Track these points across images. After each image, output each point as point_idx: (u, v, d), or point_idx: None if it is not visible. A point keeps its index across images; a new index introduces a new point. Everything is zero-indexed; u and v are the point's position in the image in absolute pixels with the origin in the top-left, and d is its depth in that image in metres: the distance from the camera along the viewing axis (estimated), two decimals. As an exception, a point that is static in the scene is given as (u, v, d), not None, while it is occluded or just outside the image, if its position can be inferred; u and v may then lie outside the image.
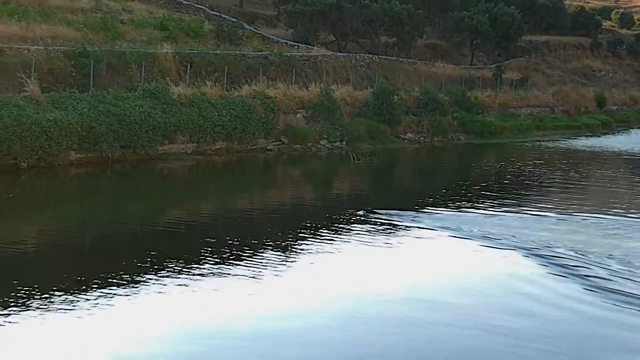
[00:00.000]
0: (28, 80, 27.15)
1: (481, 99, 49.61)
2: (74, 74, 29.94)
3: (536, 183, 30.29)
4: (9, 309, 12.20)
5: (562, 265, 15.98)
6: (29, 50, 29.68)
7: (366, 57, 48.02)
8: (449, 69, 53.92)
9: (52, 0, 41.15)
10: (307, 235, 18.50)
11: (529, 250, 17.21)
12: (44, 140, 25.33)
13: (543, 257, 16.61)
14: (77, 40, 33.42)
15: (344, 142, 36.72)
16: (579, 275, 15.31)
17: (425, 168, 36.50)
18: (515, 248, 17.41)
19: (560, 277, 15.31)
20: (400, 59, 51.86)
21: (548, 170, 33.98)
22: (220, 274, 14.77)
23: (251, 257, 16.10)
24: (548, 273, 15.59)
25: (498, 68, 55.87)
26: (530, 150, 42.39)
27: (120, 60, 32.07)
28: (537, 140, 46.59)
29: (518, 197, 25.92)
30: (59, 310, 12.32)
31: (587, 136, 51.03)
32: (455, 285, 14.94)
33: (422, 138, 41.60)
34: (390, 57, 51.09)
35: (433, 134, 42.08)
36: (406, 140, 40.84)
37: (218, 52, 37.67)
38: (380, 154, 36.14)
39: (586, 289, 14.50)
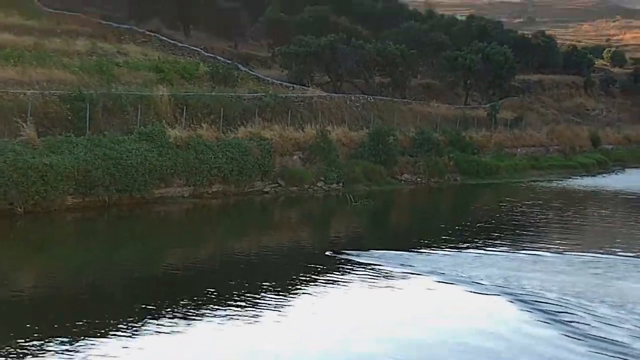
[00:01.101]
0: (24, 124, 27.05)
1: (476, 138, 49.68)
2: (70, 118, 29.84)
3: (532, 223, 30.27)
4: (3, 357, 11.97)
5: (545, 311, 15.74)
6: (25, 95, 29.62)
7: (361, 98, 48.17)
8: (444, 109, 54.09)
9: (47, 43, 41.29)
10: (304, 279, 18.34)
11: (515, 295, 16.98)
12: (41, 185, 25.15)
13: (528, 303, 16.37)
14: (73, 83, 33.42)
15: (341, 184, 36.62)
16: (561, 322, 15.11)
17: (421, 209, 36.41)
18: (500, 293, 17.16)
19: (542, 323, 15.09)
20: (395, 99, 52.06)
21: (544, 210, 33.96)
22: (217, 319, 14.57)
23: (249, 302, 15.92)
24: (530, 319, 15.37)
25: (492, 107, 56.06)
26: (527, 190, 42.38)
27: (116, 103, 32.05)
28: (533, 180, 46.60)
29: (513, 237, 25.86)
30: (51, 357, 12.10)
31: (582, 176, 51.08)
32: (433, 336, 14.54)
33: (418, 179, 41.53)
34: (384, 97, 51.27)
35: (429, 175, 42.02)
36: (402, 182, 40.76)
37: (214, 93, 37.70)
38: (377, 195, 36.02)
39: (565, 335, 14.30)
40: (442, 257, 21.25)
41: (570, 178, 49.01)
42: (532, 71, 77.73)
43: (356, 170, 37.71)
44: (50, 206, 25.70)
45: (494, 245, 23.53)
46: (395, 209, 36.71)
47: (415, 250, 22.23)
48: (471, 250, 22.53)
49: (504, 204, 35.53)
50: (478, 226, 28.70)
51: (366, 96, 49.21)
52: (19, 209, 24.70)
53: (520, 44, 73.75)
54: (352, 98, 47.42)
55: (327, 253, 21.45)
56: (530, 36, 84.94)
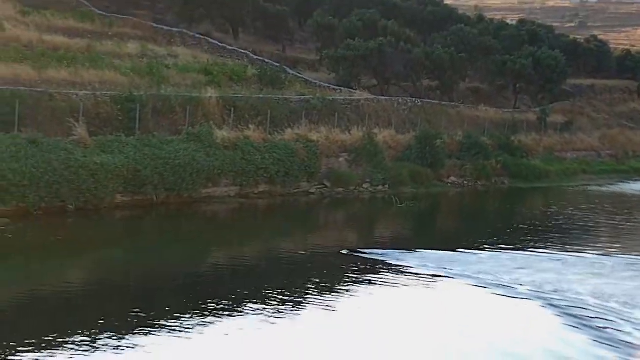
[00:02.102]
0: (76, 124, 27.64)
1: (525, 142, 49.14)
2: (120, 118, 30.38)
3: (580, 226, 29.88)
4: (54, 349, 12.23)
5: (579, 317, 15.50)
6: (77, 95, 30.23)
7: (408, 101, 48.00)
8: (492, 113, 53.58)
9: (100, 46, 42.06)
10: (348, 280, 18.36)
11: (551, 300, 16.74)
12: (91, 184, 25.68)
13: (562, 308, 16.13)
14: (124, 84, 34.00)
15: (387, 186, 36.58)
16: (592, 327, 14.84)
17: (467, 212, 36.13)
18: (533, 298, 16.94)
19: (573, 328, 14.84)
20: (443, 103, 51.74)
21: (593, 213, 33.48)
22: (261, 318, 14.68)
23: (291, 301, 16.03)
24: (564, 324, 15.14)
25: (542, 111, 55.35)
26: (576, 194, 41.82)
27: (165, 104, 32.54)
28: (584, 185, 45.89)
29: (558, 240, 25.63)
30: (101, 351, 12.33)
31: (636, 180, 50.06)
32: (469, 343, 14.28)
33: (465, 182, 41.28)
34: (432, 101, 51.02)
35: (477, 178, 41.74)
36: (449, 184, 40.56)
37: (261, 96, 37.99)
38: (423, 197, 35.94)
39: (595, 341, 14.04)
40: (484, 259, 21.13)
41: (623, 182, 48.15)
42: (584, 76, 76.38)
43: (402, 172, 37.61)
44: (100, 204, 26.20)
45: (538, 248, 23.34)
46: (441, 211, 36.52)
47: (457, 251, 22.20)
48: (514, 253, 22.40)
49: (552, 208, 35.13)
50: (524, 229, 28.44)
51: (414, 99, 49.02)
52: (70, 206, 25.23)
53: (572, 49, 72.60)
54: (400, 101, 47.30)
55: (343, 251, 21.65)
56: (582, 41, 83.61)
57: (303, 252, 23.13)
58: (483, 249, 22.79)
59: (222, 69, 42.67)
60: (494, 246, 23.43)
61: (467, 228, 30.19)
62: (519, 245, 23.69)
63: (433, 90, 55.58)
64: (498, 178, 42.95)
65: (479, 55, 58.92)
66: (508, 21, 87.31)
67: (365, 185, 36.07)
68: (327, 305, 15.93)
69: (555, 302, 16.51)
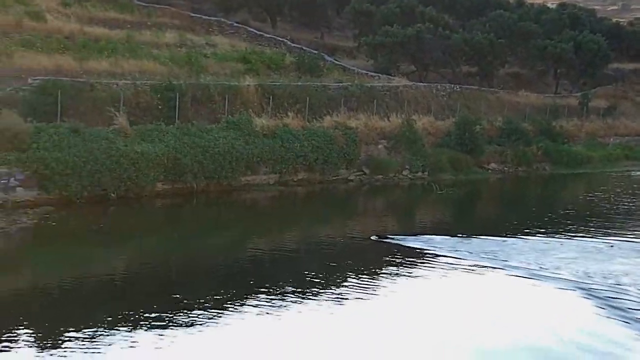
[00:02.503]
0: (117, 113, 27.95)
1: (567, 128, 48.52)
2: (160, 107, 30.65)
3: (623, 211, 29.34)
4: (97, 333, 12.41)
5: (620, 308, 15.09)
6: (117, 85, 30.56)
7: (447, 87, 47.65)
8: (533, 98, 52.92)
9: (139, 36, 42.39)
10: (386, 267, 18.31)
11: (590, 290, 16.30)
12: (132, 172, 25.97)
13: (602, 299, 15.68)
14: (163, 74, 34.26)
15: (426, 173, 36.43)
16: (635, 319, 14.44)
17: (509, 198, 35.76)
18: (573, 288, 16.52)
19: (613, 320, 14.46)
20: (482, 89, 51.25)
21: (637, 199, 32.88)
22: (300, 304, 14.74)
23: (331, 288, 16.04)
24: (603, 316, 14.76)
25: (584, 96, 54.51)
26: (619, 179, 41.15)
27: (204, 93, 32.74)
28: (627, 170, 45.13)
29: (599, 225, 25.21)
30: (142, 336, 12.47)
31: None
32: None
33: (505, 168, 40.89)
34: (471, 87, 50.56)
35: (517, 164, 41.34)
36: (489, 171, 40.20)
37: (299, 83, 38.01)
38: (463, 184, 35.70)
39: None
40: (523, 246, 20.87)
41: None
42: (627, 59, 74.99)
43: (442, 159, 37.39)
44: (141, 192, 26.49)
45: (580, 234, 23.00)
46: (482, 197, 36.20)
47: (498, 237, 21.94)
48: (555, 239, 22.09)
49: (595, 194, 34.61)
50: (566, 215, 28.13)
51: (453, 85, 48.65)
52: (112, 195, 25.54)
53: (615, 32, 71.23)
54: (439, 87, 46.99)
55: (372, 237, 21.70)
56: (625, 24, 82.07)
57: (342, 239, 23.14)
58: (524, 235, 22.53)
59: (260, 57, 42.79)
60: (534, 233, 23.16)
61: (508, 214, 29.88)
62: (561, 232, 23.38)
63: (472, 76, 55.10)
64: (539, 164, 42.48)
65: (519, 40, 58.17)
66: (548, 5, 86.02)
67: (404, 172, 35.95)
68: (364, 292, 15.92)
69: (597, 293, 16.11)
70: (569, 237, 22.65)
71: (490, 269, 18.23)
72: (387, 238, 21.53)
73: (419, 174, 36.26)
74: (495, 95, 50.87)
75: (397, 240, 21.16)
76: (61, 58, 33.85)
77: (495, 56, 53.97)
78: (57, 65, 33.02)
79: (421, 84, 47.27)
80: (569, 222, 26.12)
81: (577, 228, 24.42)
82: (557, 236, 22.64)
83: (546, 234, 23.09)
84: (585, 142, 48.67)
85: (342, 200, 32.16)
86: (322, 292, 15.66)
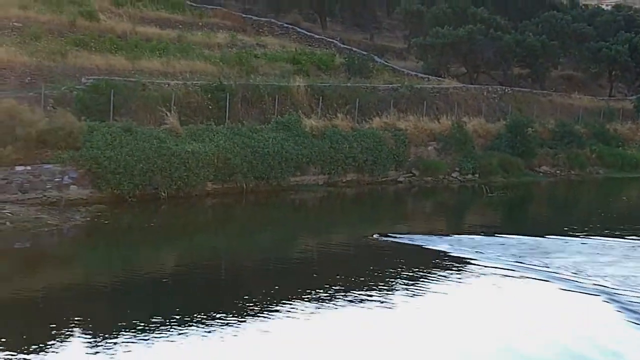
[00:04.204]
0: (168, 113, 28.20)
1: (621, 131, 47.54)
2: (210, 107, 30.84)
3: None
4: (148, 330, 12.49)
5: None
6: (168, 85, 30.84)
7: (498, 89, 47.06)
8: (586, 101, 51.96)
9: (190, 36, 42.77)
10: (435, 272, 18.09)
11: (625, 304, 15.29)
12: (183, 171, 26.16)
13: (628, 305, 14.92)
14: (214, 74, 34.48)
15: (476, 175, 36.05)
16: None
17: (559, 202, 35.13)
18: (601, 294, 15.74)
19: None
20: (534, 91, 50.52)
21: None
22: (348, 302, 14.64)
23: (378, 288, 15.93)
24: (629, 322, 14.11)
25: (639, 99, 53.38)
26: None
27: (254, 93, 32.84)
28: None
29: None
30: (192, 333, 12.51)
31: None
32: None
33: (558, 171, 40.24)
34: (523, 89, 49.86)
35: (570, 168, 40.67)
36: (541, 174, 39.61)
37: (349, 84, 37.93)
38: (514, 187, 35.22)
39: None
40: (569, 250, 20.46)
41: None
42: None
43: (492, 161, 36.94)
44: (191, 191, 26.68)
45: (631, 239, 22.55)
46: (533, 201, 35.62)
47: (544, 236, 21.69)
48: (604, 242, 21.65)
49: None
50: (616, 218, 27.56)
51: (504, 87, 48.03)
52: (163, 194, 25.76)
53: (671, 34, 69.73)
54: (489, 89, 46.44)
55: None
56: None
57: (388, 241, 22.94)
58: (571, 239, 22.11)
59: (310, 58, 42.79)
60: (585, 235, 22.72)
61: (559, 218, 29.27)
62: (611, 237, 22.84)
63: (524, 78, 54.35)
64: (592, 167, 41.73)
65: (572, 42, 57.24)
66: (603, 6, 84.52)
67: (454, 174, 35.63)
68: (409, 293, 15.73)
69: (634, 307, 15.08)
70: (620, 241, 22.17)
71: (535, 277, 17.66)
72: (389, 236, 21.45)
73: (469, 176, 35.91)
74: (548, 97, 50.08)
75: (420, 241, 20.94)
76: (114, 58, 34.28)
77: (547, 58, 53.15)
78: (110, 64, 33.46)
79: (472, 85, 46.78)
80: (623, 225, 25.51)
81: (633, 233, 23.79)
82: (607, 240, 22.16)
83: (598, 238, 22.55)
84: (640, 145, 47.62)
85: (392, 201, 31.99)
86: (369, 291, 15.54)
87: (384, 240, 21.09)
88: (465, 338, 13.31)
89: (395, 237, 21.37)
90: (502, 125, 40.05)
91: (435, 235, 22.09)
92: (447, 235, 22.18)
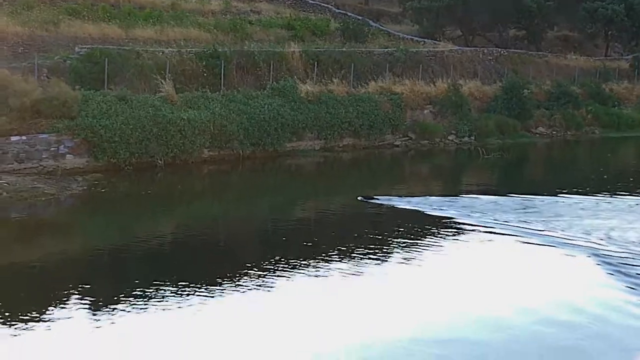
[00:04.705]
0: (163, 81, 28.11)
1: (617, 91, 47.54)
2: (205, 74, 30.77)
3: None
4: (147, 295, 12.60)
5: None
6: (163, 53, 30.74)
7: (494, 51, 46.95)
8: (582, 61, 51.85)
9: (184, 4, 42.54)
10: (424, 230, 18.18)
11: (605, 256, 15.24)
12: (179, 139, 26.17)
13: (615, 265, 14.63)
14: (208, 41, 34.37)
15: (473, 137, 36.14)
16: None
17: (555, 162, 35.21)
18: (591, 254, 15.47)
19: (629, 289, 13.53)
20: (530, 52, 50.41)
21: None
22: (346, 266, 14.74)
23: (376, 252, 16.00)
24: (616, 285, 13.77)
25: (635, 59, 53.25)
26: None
27: (249, 60, 32.75)
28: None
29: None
30: (189, 301, 12.61)
31: None
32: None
33: (554, 132, 40.33)
34: (519, 51, 49.77)
35: (566, 128, 40.76)
36: (537, 135, 39.68)
37: (344, 49, 37.81)
38: (511, 148, 35.28)
39: None
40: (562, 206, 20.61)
41: None
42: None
43: (489, 123, 37.00)
44: (187, 159, 26.72)
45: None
46: (529, 161, 35.68)
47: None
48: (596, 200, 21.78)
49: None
50: (609, 177, 27.68)
51: (499, 49, 47.92)
52: (159, 162, 25.80)
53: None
54: (485, 51, 46.32)
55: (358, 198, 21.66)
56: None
57: (386, 204, 23.03)
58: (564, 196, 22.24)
59: (304, 24, 42.61)
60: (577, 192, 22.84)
61: (554, 177, 29.40)
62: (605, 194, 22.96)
63: (520, 40, 54.20)
64: (588, 128, 41.81)
65: (569, 3, 56.86)
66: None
67: (450, 137, 35.71)
68: (406, 258, 15.76)
69: (611, 259, 15.05)
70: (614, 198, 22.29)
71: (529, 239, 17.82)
72: (373, 198, 21.51)
73: (466, 138, 36.00)
74: (544, 58, 49.98)
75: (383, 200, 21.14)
76: (107, 26, 34.13)
77: (543, 19, 52.91)
78: (103, 33, 33.32)
79: (467, 48, 46.63)
80: (618, 183, 25.60)
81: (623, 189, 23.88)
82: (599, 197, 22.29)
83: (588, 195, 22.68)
84: (636, 105, 47.59)
85: (389, 165, 32.05)
86: (366, 256, 15.61)
87: (368, 203, 21.14)
88: (461, 299, 13.43)
89: (378, 199, 21.40)
90: (498, 87, 40.04)
91: (418, 197, 22.13)
92: (429, 196, 22.38)
